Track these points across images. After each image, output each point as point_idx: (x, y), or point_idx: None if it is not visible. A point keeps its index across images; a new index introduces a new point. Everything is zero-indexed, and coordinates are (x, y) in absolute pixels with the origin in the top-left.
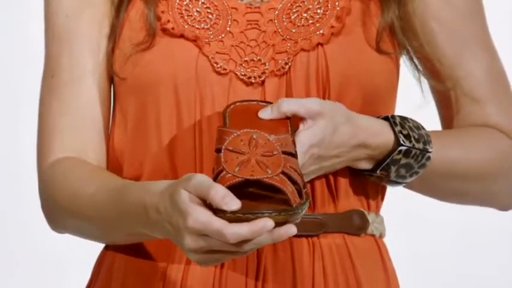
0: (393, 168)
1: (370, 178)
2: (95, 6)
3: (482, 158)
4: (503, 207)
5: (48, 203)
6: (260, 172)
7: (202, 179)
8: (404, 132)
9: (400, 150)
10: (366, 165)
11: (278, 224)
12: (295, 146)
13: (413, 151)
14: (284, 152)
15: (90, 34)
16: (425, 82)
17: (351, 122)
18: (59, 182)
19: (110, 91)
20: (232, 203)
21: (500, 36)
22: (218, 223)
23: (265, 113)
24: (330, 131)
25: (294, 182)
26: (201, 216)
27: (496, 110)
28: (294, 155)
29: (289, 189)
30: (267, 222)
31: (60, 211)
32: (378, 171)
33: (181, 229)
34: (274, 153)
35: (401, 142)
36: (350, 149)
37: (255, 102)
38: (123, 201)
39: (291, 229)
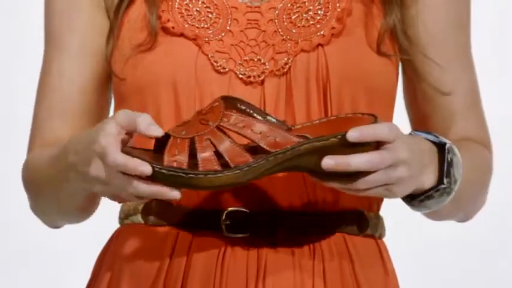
0: (423, 200)
1: None
2: (84, 12)
3: (480, 179)
4: (464, 219)
5: (29, 198)
6: (202, 128)
7: (129, 111)
8: (451, 171)
9: (438, 189)
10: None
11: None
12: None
13: (447, 190)
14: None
15: (77, 44)
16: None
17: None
18: (29, 170)
19: (106, 97)
20: (157, 131)
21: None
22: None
23: (354, 135)
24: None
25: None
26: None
27: (476, 122)
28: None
29: (207, 155)
30: (145, 168)
31: (35, 199)
32: (412, 202)
33: (90, 155)
34: (215, 104)
35: (445, 184)
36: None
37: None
38: (55, 158)
39: (171, 192)
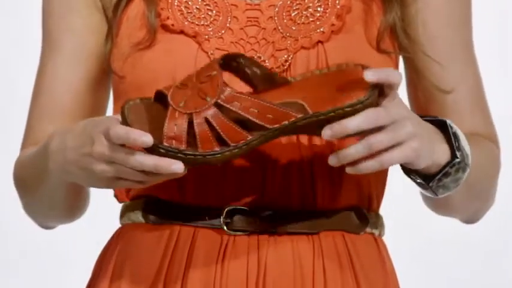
0: (441, 178)
1: (412, 180)
2: (80, 12)
3: (490, 171)
4: (473, 218)
5: (19, 197)
6: (200, 103)
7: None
8: (460, 144)
9: (454, 164)
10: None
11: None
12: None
13: (461, 164)
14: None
15: (72, 45)
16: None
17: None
18: (16, 168)
19: (102, 97)
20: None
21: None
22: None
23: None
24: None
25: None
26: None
27: (482, 118)
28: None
29: (205, 134)
30: (146, 138)
31: (23, 197)
32: (430, 183)
33: (94, 135)
34: (213, 73)
35: (458, 157)
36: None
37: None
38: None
39: (174, 164)
